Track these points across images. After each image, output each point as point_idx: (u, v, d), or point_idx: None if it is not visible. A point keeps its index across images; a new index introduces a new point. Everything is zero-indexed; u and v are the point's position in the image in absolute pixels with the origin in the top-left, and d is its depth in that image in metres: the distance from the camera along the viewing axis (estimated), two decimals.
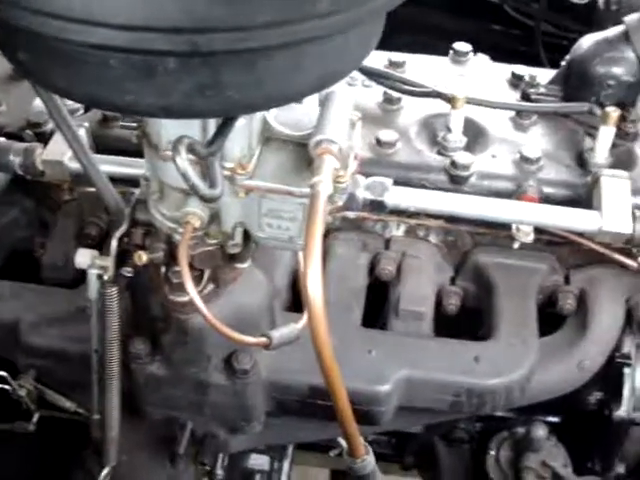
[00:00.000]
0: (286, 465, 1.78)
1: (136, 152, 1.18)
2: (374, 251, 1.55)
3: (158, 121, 1.02)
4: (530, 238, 1.45)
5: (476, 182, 1.50)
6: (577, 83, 1.60)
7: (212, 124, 0.99)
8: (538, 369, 1.45)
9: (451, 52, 1.81)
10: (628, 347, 1.57)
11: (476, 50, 1.82)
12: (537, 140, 1.59)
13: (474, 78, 1.75)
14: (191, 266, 1.10)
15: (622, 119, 1.53)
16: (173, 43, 0.76)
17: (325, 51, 0.86)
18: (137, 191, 1.19)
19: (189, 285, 1.05)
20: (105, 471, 1.39)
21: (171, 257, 1.16)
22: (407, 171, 1.51)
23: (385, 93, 1.66)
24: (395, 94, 1.65)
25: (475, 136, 1.58)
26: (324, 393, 1.00)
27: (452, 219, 1.52)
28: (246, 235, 1.13)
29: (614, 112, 1.47)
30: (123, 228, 1.18)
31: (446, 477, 1.86)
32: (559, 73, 1.67)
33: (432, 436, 1.86)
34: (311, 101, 1.09)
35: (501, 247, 1.55)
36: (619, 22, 1.58)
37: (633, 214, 1.37)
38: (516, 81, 1.72)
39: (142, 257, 1.14)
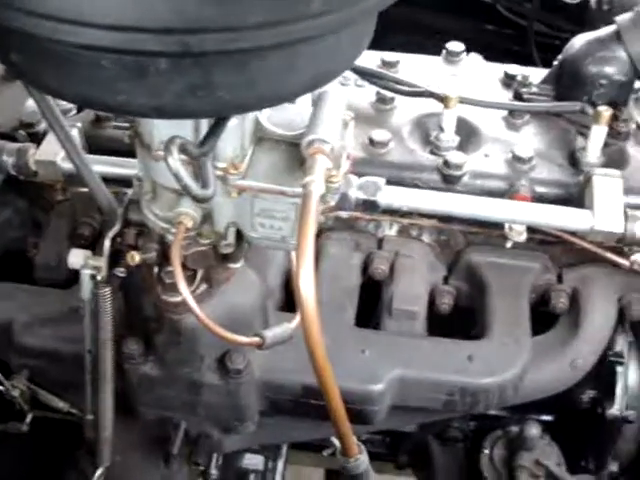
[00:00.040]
0: (280, 465, 1.78)
1: (129, 152, 1.18)
2: (367, 251, 1.55)
3: (150, 121, 1.02)
4: (523, 237, 1.45)
5: (469, 181, 1.51)
6: (569, 82, 1.61)
7: (204, 124, 0.99)
8: (531, 368, 1.45)
9: (444, 52, 1.81)
10: (620, 345, 1.58)
11: (469, 50, 1.82)
12: (529, 139, 1.60)
13: (467, 78, 1.75)
14: (184, 266, 1.10)
15: (614, 118, 1.54)
16: (164, 44, 0.76)
17: (317, 51, 0.86)
18: (130, 191, 1.19)
19: (182, 285, 1.05)
20: (99, 471, 1.39)
21: (164, 257, 1.16)
22: (400, 171, 1.51)
23: (378, 93, 1.66)
24: (388, 94, 1.65)
25: (468, 135, 1.58)
26: (317, 393, 1.00)
27: (445, 218, 1.53)
28: (239, 235, 1.13)
29: (606, 111, 1.48)
30: (116, 228, 1.18)
31: (440, 476, 1.86)
32: (551, 73, 1.67)
33: (426, 435, 1.86)
34: (304, 101, 1.09)
35: (494, 246, 1.55)
36: (611, 22, 1.59)
37: (625, 213, 1.37)
38: (509, 81, 1.72)
39: (135, 257, 1.14)
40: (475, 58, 1.83)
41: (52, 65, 0.85)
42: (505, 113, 1.64)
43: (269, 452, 1.76)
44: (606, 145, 1.53)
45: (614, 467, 1.71)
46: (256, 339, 1.09)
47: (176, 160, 0.95)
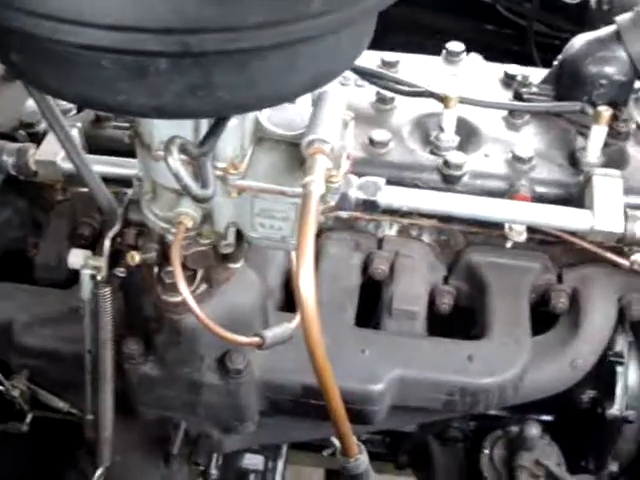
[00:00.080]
0: (280, 465, 1.78)
1: (129, 152, 1.18)
2: (367, 251, 1.55)
3: (150, 121, 1.02)
4: (523, 237, 1.45)
5: (469, 181, 1.51)
6: (569, 82, 1.61)
7: (204, 124, 0.99)
8: (531, 368, 1.45)
9: (444, 52, 1.81)
10: (620, 345, 1.58)
11: (469, 50, 1.82)
12: (529, 139, 1.60)
13: (467, 78, 1.75)
14: (184, 266, 1.10)
15: (614, 118, 1.54)
16: (164, 44, 0.76)
17: (317, 51, 0.86)
18: (130, 191, 1.19)
19: (182, 285, 1.05)
20: (99, 471, 1.39)
21: (164, 257, 1.16)
22: (400, 171, 1.51)
23: (378, 93, 1.66)
24: (388, 94, 1.65)
25: (468, 135, 1.58)
26: (317, 393, 1.00)
27: (445, 218, 1.53)
28: (239, 235, 1.13)
29: (606, 111, 1.48)
30: (116, 228, 1.18)
31: (440, 476, 1.86)
32: (551, 73, 1.67)
33: (426, 435, 1.86)
34: (304, 101, 1.09)
35: (494, 246, 1.55)
36: (611, 22, 1.59)
37: (625, 213, 1.37)
38: (509, 81, 1.72)
39: (135, 257, 1.14)
40: (475, 58, 1.83)
41: (52, 65, 0.85)
42: (505, 113, 1.64)
43: (269, 452, 1.76)
44: (606, 145, 1.53)
45: (614, 467, 1.71)
46: (256, 339, 1.09)
47: (176, 160, 0.95)
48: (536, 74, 1.70)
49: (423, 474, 1.97)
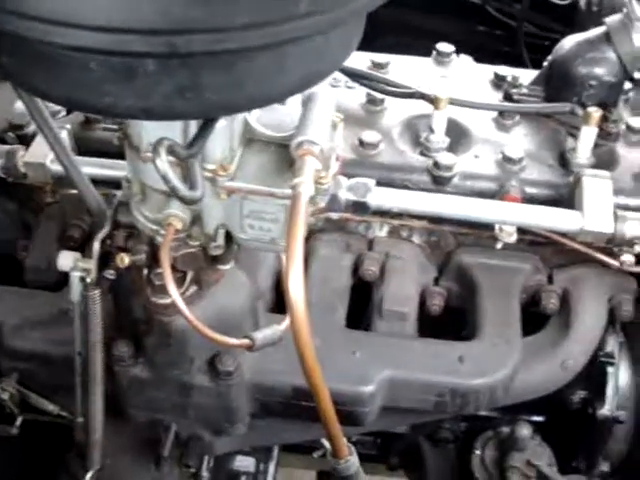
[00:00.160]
0: (272, 467, 1.77)
1: (118, 154, 1.18)
2: (357, 252, 1.55)
3: (139, 123, 1.01)
4: (513, 238, 1.45)
5: (459, 183, 1.51)
6: (559, 83, 1.61)
7: (193, 126, 0.99)
8: (522, 369, 1.46)
9: (434, 53, 1.81)
10: (611, 346, 1.58)
11: (459, 51, 1.82)
12: (519, 140, 1.60)
13: (457, 79, 1.75)
14: (173, 268, 1.10)
15: (604, 119, 1.54)
16: (151, 44, 0.76)
17: (306, 52, 0.86)
18: (119, 193, 1.19)
19: (171, 287, 1.04)
20: (89, 474, 1.39)
21: (153, 259, 1.16)
22: (390, 172, 1.51)
23: (368, 94, 1.66)
24: (378, 95, 1.65)
25: (458, 137, 1.58)
26: (308, 394, 1.00)
27: (435, 220, 1.53)
28: (228, 237, 1.13)
29: (596, 112, 1.48)
30: (105, 230, 1.18)
31: (432, 477, 1.86)
32: (541, 74, 1.67)
33: (417, 436, 1.86)
34: (293, 102, 1.09)
35: (484, 247, 1.55)
36: (600, 23, 1.59)
37: (614, 214, 1.38)
38: (499, 82, 1.73)
39: (124, 259, 1.13)
40: (465, 59, 1.83)
41: (41, 67, 0.85)
42: (495, 114, 1.64)
43: (260, 454, 1.75)
44: (596, 146, 1.53)
45: (605, 467, 1.71)
46: (246, 341, 1.09)
47: (164, 162, 0.95)
48: (526, 75, 1.70)
49: (415, 475, 1.96)
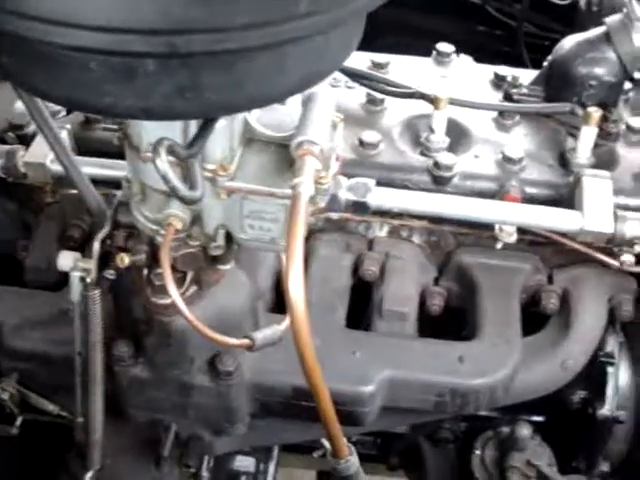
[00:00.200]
0: (272, 467, 1.77)
1: (118, 154, 1.18)
2: (357, 252, 1.55)
3: (139, 123, 1.01)
4: (513, 238, 1.45)
5: (459, 183, 1.51)
6: (559, 83, 1.61)
7: (193, 125, 0.99)
8: (522, 369, 1.46)
9: (434, 53, 1.81)
10: (611, 346, 1.58)
11: (459, 51, 1.82)
12: (520, 140, 1.60)
13: (457, 79, 1.75)
14: (173, 268, 1.10)
15: (604, 119, 1.54)
16: (151, 44, 0.76)
17: (305, 52, 0.86)
18: (119, 193, 1.19)
19: (171, 287, 1.04)
20: (89, 474, 1.39)
21: (153, 259, 1.15)
22: (390, 172, 1.51)
23: (368, 94, 1.66)
24: (378, 95, 1.65)
25: (458, 137, 1.58)
26: (308, 394, 1.00)
27: (435, 220, 1.53)
28: (228, 237, 1.13)
29: (596, 112, 1.48)
30: (105, 230, 1.18)
31: (432, 477, 1.86)
32: (541, 74, 1.67)
33: (417, 436, 1.86)
34: (293, 102, 1.09)
35: (484, 247, 1.55)
36: (600, 23, 1.59)
37: (614, 214, 1.38)
38: (499, 82, 1.72)
39: (124, 259, 1.13)
40: (465, 59, 1.83)
41: (41, 67, 0.85)
42: (495, 114, 1.64)
43: (260, 454, 1.75)
44: (596, 146, 1.53)
45: (605, 467, 1.71)
46: (246, 341, 1.09)
47: (164, 162, 0.95)
48: (526, 75, 1.70)
49: (415, 475, 1.96)
